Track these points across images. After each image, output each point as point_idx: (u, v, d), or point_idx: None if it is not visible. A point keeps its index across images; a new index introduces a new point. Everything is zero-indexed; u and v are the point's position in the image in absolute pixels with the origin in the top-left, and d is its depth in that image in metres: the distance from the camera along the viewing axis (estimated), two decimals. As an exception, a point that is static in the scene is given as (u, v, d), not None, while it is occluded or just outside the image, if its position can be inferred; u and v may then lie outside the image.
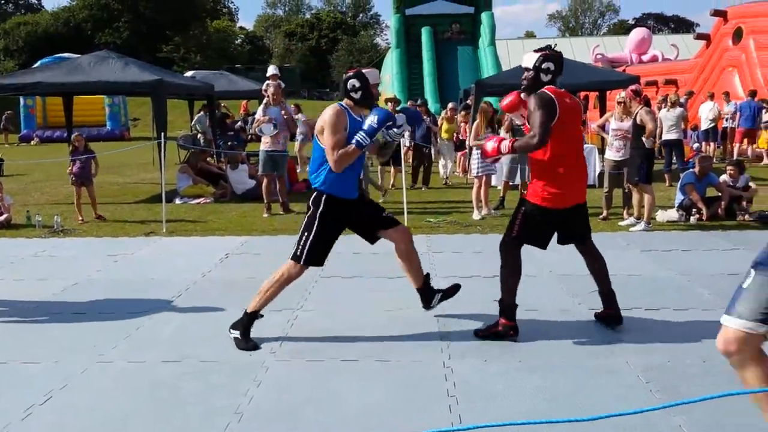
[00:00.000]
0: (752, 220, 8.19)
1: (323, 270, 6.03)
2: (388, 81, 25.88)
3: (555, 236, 4.40)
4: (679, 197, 8.56)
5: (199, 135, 14.90)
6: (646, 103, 8.56)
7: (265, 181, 9.30)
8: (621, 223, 8.13)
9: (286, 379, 3.67)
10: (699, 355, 3.87)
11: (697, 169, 8.54)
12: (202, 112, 14.86)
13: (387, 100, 13.50)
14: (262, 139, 9.19)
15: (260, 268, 6.16)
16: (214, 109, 13.83)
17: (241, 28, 73.43)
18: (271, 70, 11.18)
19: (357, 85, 4.17)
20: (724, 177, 8.72)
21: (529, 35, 69.09)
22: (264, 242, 7.44)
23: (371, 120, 4.06)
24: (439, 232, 7.92)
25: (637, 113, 7.77)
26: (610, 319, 4.38)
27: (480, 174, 8.89)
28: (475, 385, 3.53)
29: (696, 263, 6.11)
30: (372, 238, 4.49)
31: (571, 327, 4.44)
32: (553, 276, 5.73)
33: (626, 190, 8.30)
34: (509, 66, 22.91)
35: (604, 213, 8.54)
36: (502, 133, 10.42)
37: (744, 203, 8.43)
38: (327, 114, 4.12)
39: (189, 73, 20.19)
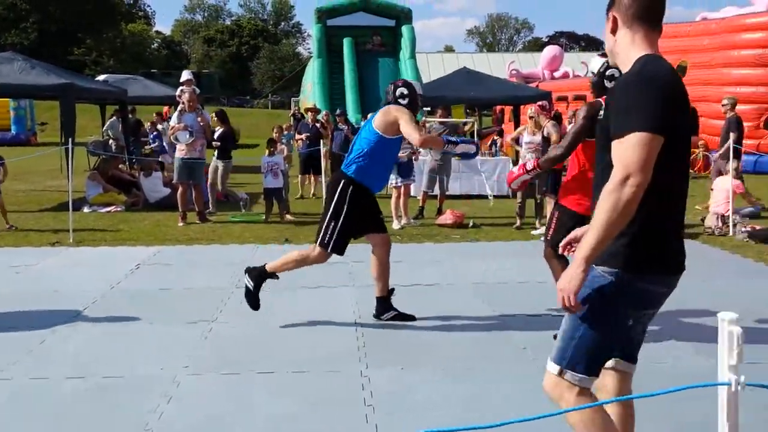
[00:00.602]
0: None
1: (239, 280, 5.93)
2: (310, 90, 25.82)
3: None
4: (588, 208, 8.92)
5: (110, 141, 14.37)
6: (557, 117, 8.94)
7: (180, 189, 9.06)
8: (533, 233, 8.40)
9: (198, 394, 3.56)
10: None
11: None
12: (114, 117, 14.34)
13: (307, 110, 13.51)
14: (178, 146, 8.96)
15: (173, 279, 6.00)
16: (127, 114, 13.37)
17: (157, 32, 71.47)
18: (185, 75, 10.93)
19: (405, 92, 4.71)
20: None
21: (449, 49, 70.65)
22: (178, 252, 7.22)
23: (467, 143, 4.98)
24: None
25: (545, 127, 8.14)
26: None
27: (399, 184, 8.98)
28: (393, 394, 3.55)
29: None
30: (361, 234, 4.74)
31: (485, 333, 4.53)
32: (468, 284, 5.84)
33: (538, 201, 8.60)
34: (429, 78, 23.30)
35: (518, 222, 8.81)
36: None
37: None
38: (402, 110, 4.55)
39: (101, 77, 19.47)
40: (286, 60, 61.03)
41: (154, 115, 15.79)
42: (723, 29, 17.42)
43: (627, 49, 2.10)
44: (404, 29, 26.64)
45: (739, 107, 16.50)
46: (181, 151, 8.94)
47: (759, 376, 3.65)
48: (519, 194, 8.78)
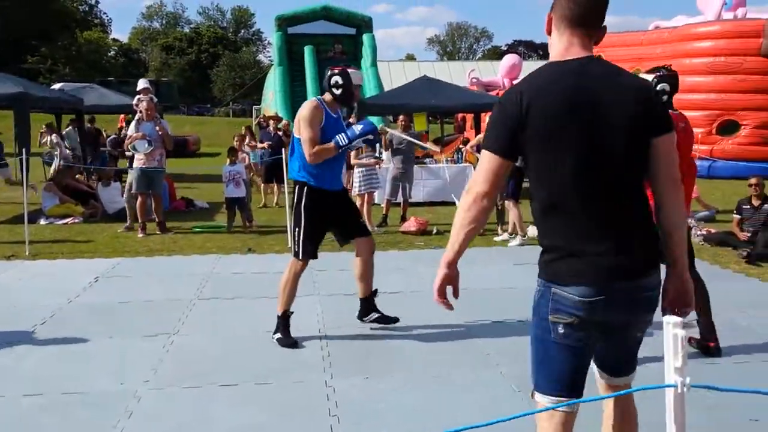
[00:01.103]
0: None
1: (201, 291, 5.86)
2: (271, 98, 25.69)
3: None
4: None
5: (67, 151, 14.04)
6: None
7: (139, 199, 8.91)
8: (496, 239, 8.49)
9: (159, 409, 3.50)
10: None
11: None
12: (70, 127, 14.04)
13: (269, 118, 13.43)
14: (136, 155, 8.81)
15: (133, 292, 5.89)
16: (83, 124, 13.11)
17: (114, 39, 70.20)
18: (142, 83, 10.77)
19: (340, 81, 4.38)
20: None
21: (410, 58, 71.07)
22: (138, 264, 7.10)
23: (357, 127, 4.35)
24: (322, 250, 7.87)
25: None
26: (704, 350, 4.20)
27: (362, 192, 8.99)
28: (357, 404, 3.54)
29: (564, 276, 6.49)
30: (345, 240, 4.68)
31: (450, 340, 4.56)
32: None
33: (499, 207, 8.70)
34: (391, 86, 23.40)
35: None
36: (384, 154, 10.65)
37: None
38: (304, 109, 4.32)
39: (57, 86, 19.03)
40: (247, 68, 60.61)
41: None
42: (675, 38, 17.93)
43: (551, 52, 2.14)
44: (365, 38, 26.75)
45: (692, 114, 17.04)
46: (139, 161, 8.80)
47: (717, 375, 3.76)
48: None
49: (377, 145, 9.46)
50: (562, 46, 2.08)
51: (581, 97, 1.99)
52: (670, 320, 1.65)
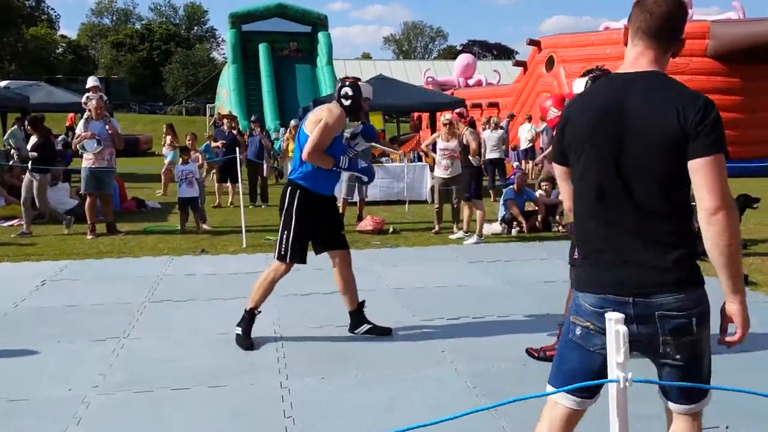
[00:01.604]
0: (565, 231, 9.00)
1: (152, 294, 5.75)
2: (225, 96, 25.35)
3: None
4: (501, 211, 9.20)
5: (12, 150, 13.59)
6: (471, 124, 9.14)
7: (88, 200, 8.69)
8: (451, 236, 8.57)
9: (109, 414, 3.42)
10: (519, 359, 4.16)
11: (516, 185, 9.26)
12: (15, 126, 13.60)
13: (223, 117, 13.26)
14: (85, 155, 8.60)
15: (81, 295, 5.74)
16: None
17: (62, 36, 68.26)
18: (91, 81, 10.51)
19: (350, 93, 4.33)
20: (539, 192, 9.51)
21: (366, 56, 71.10)
22: (87, 266, 6.92)
23: (362, 164, 4.48)
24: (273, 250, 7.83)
25: (463, 134, 8.31)
26: None
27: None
28: (312, 405, 3.52)
29: (517, 272, 6.58)
30: (322, 248, 4.55)
31: (405, 339, 4.58)
32: (389, 290, 5.89)
33: (455, 206, 8.78)
34: (346, 85, 23.29)
35: (436, 227, 8.96)
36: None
37: (558, 216, 9.25)
38: (333, 111, 4.23)
39: (2, 84, 18.42)
40: (201, 65, 59.62)
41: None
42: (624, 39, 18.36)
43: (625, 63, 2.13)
44: (320, 36, 26.62)
45: (641, 113, 17.51)
46: (88, 161, 8.59)
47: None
48: (436, 200, 8.93)
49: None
50: (630, 58, 2.10)
51: (611, 111, 1.99)
52: (612, 317, 1.69)
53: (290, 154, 11.85)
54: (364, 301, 4.68)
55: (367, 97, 4.42)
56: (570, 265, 4.07)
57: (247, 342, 4.37)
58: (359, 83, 4.40)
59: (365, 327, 4.63)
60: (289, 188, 4.36)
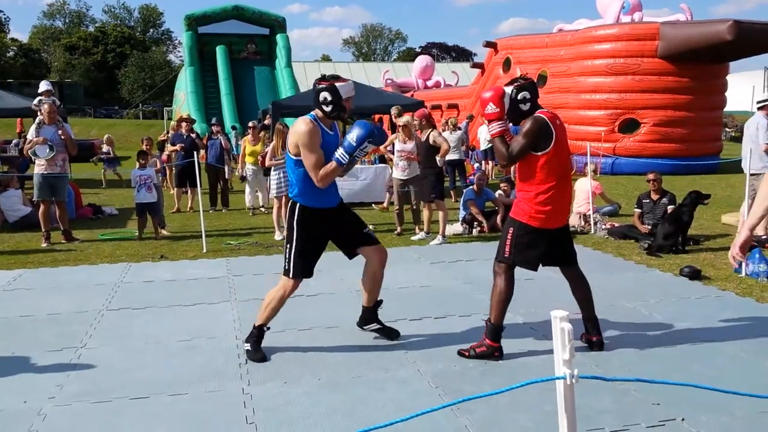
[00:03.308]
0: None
1: (109, 302, 5.64)
2: (183, 99, 25.01)
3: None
4: (462, 212, 9.29)
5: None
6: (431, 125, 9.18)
7: (42, 207, 8.48)
8: (413, 238, 8.61)
9: (66, 426, 3.35)
10: (480, 358, 4.20)
11: (475, 186, 9.35)
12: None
13: (181, 119, 13.05)
14: (37, 161, 8.39)
15: (36, 305, 5.60)
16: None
17: (13, 39, 66.37)
18: (44, 85, 10.26)
19: (329, 98, 4.13)
20: (499, 192, 9.63)
21: (326, 59, 70.94)
22: (41, 275, 6.75)
23: (351, 137, 4.08)
24: (239, 255, 7.77)
25: (429, 135, 8.35)
26: (593, 345, 4.29)
27: (279, 195, 8.90)
28: (275, 410, 3.50)
29: (477, 272, 6.65)
30: (350, 253, 4.46)
31: (368, 341, 4.59)
32: (351, 292, 5.89)
33: (414, 207, 8.83)
34: (307, 87, 23.28)
35: (398, 229, 8.99)
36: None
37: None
38: (301, 131, 4.06)
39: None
40: (157, 68, 58.63)
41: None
42: (577, 41, 18.71)
43: None
44: (279, 38, 26.49)
45: (594, 113, 17.86)
46: (40, 167, 8.38)
47: (621, 363, 3.96)
48: (396, 202, 8.96)
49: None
50: None
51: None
52: (557, 314, 1.72)
53: (249, 159, 11.52)
54: (381, 301, 4.65)
55: (349, 96, 4.22)
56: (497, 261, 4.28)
57: (258, 355, 4.26)
58: (336, 85, 4.14)
59: (374, 326, 4.64)
60: (290, 204, 4.32)
